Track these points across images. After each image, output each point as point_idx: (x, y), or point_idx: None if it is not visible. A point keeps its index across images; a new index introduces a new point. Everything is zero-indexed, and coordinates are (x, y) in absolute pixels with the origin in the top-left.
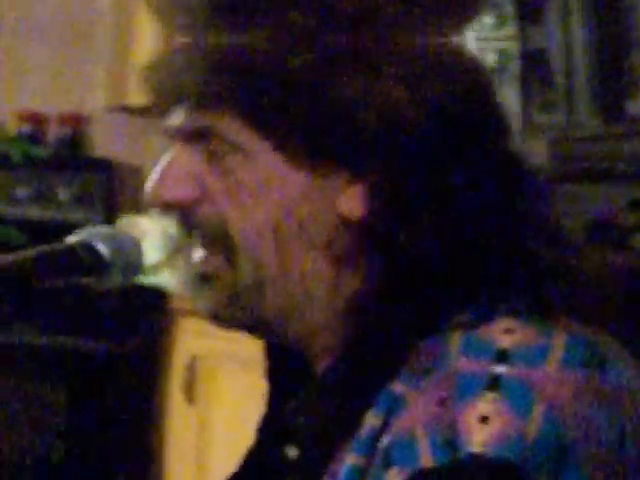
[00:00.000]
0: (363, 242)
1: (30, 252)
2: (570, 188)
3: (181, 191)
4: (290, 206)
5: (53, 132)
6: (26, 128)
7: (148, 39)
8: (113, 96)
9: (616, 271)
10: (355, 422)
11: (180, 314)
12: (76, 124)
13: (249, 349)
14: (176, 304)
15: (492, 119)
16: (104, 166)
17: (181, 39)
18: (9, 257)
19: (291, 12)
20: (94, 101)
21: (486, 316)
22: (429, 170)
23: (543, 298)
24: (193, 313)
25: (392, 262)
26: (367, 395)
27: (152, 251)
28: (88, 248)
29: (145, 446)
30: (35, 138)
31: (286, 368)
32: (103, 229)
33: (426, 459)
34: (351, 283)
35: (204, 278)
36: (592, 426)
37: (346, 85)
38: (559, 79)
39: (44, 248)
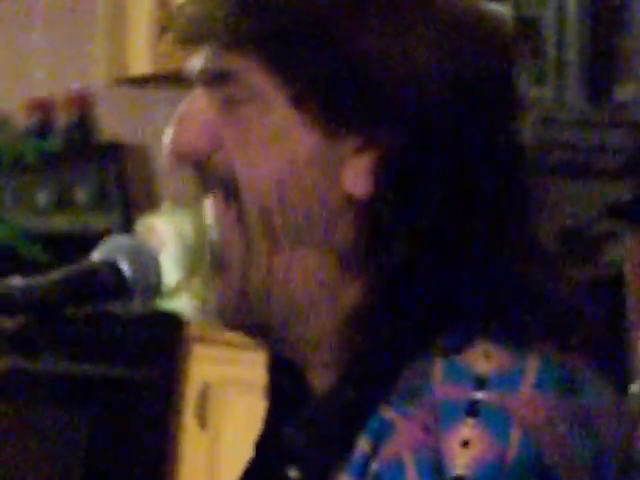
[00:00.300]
0: (364, 237)
1: (56, 276)
2: (547, 182)
3: (197, 142)
4: (297, 166)
5: (61, 118)
6: (34, 119)
7: (146, 11)
8: (115, 70)
9: (585, 287)
10: (350, 445)
11: (194, 341)
12: (82, 106)
13: (260, 376)
14: (191, 331)
15: (510, 104)
16: (115, 153)
17: None
18: (36, 282)
19: None
20: (97, 77)
21: (466, 340)
22: (440, 150)
23: (518, 322)
24: (207, 340)
25: (390, 272)
26: (361, 418)
27: (170, 270)
28: (112, 268)
29: (159, 471)
30: (44, 129)
31: (286, 385)
32: (125, 242)
33: None
34: (351, 293)
35: (220, 265)
36: (567, 448)
37: (373, 37)
38: (551, 51)
39: (69, 271)
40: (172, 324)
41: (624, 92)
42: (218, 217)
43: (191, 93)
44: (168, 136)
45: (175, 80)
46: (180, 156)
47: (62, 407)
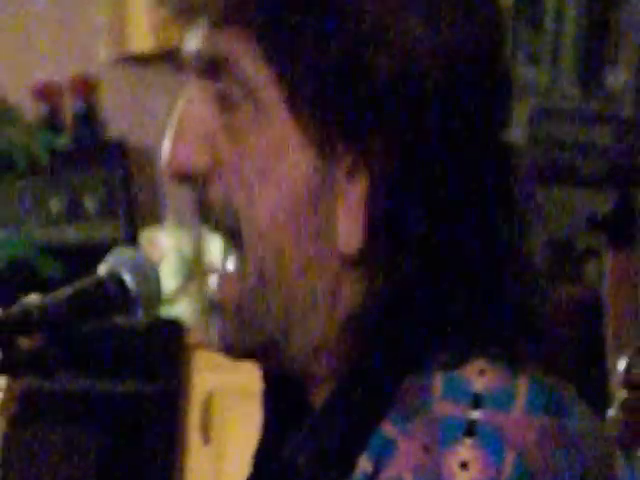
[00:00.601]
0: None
1: (67, 292)
2: (538, 190)
3: (194, 158)
4: (296, 194)
5: (68, 108)
6: (43, 109)
7: None
8: (116, 47)
9: (570, 307)
10: (351, 464)
11: (196, 348)
12: (87, 92)
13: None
14: (192, 339)
15: (500, 89)
16: (120, 155)
17: None
18: (50, 299)
19: None
20: (99, 55)
21: (463, 356)
22: (431, 162)
23: (510, 342)
24: (208, 346)
25: (389, 288)
26: (363, 436)
27: (169, 277)
28: (116, 281)
29: None
30: (53, 121)
31: (282, 399)
32: (128, 254)
33: None
34: (349, 304)
35: (215, 302)
36: (556, 470)
37: (367, 22)
38: (548, 25)
39: (79, 286)
40: (173, 332)
41: (616, 78)
42: (223, 285)
43: (186, 89)
44: (166, 146)
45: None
46: (177, 173)
47: (71, 423)
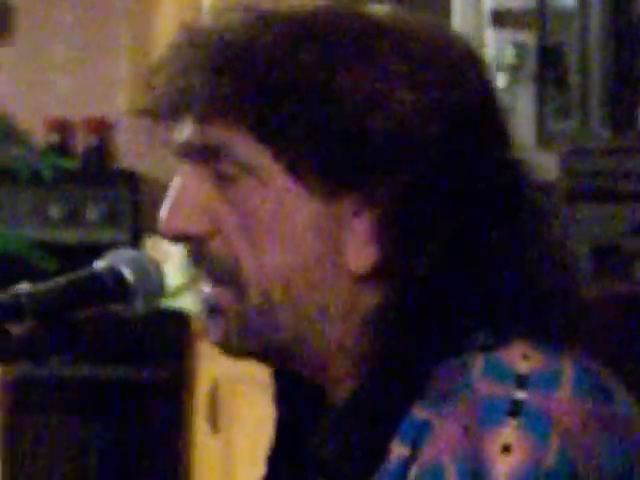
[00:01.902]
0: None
1: (61, 281)
2: (578, 208)
3: (192, 226)
4: (302, 242)
5: (81, 140)
6: (54, 137)
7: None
8: (134, 98)
9: (617, 301)
10: (382, 452)
11: (201, 337)
12: (102, 131)
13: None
14: (196, 327)
15: (496, 128)
16: (130, 180)
17: (187, 37)
18: (42, 287)
19: (298, 17)
20: (117, 103)
21: (503, 339)
22: (438, 187)
23: (552, 328)
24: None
25: (406, 283)
26: (391, 423)
27: (174, 274)
28: (114, 273)
29: (173, 472)
30: (64, 148)
31: (296, 389)
32: (128, 252)
33: None
34: (368, 298)
35: (211, 310)
36: (601, 457)
37: (353, 85)
38: (574, 79)
39: (73, 276)
40: (179, 322)
41: None
42: (215, 293)
43: (180, 170)
44: (162, 215)
45: None
46: (174, 237)
47: (75, 412)
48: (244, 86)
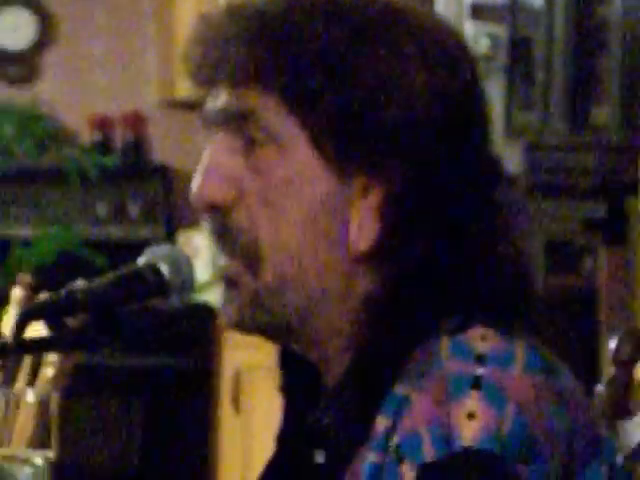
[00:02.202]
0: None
1: (109, 279)
2: (534, 202)
3: (219, 194)
4: (314, 217)
5: (119, 137)
6: (97, 135)
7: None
8: (164, 91)
9: (566, 293)
10: (369, 424)
11: (226, 329)
12: (137, 126)
13: None
14: (222, 320)
15: (483, 117)
16: (164, 176)
17: (224, 11)
18: (93, 284)
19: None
20: (149, 96)
21: (465, 324)
22: (438, 174)
23: (505, 312)
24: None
25: (400, 269)
26: (377, 399)
27: (202, 269)
28: (153, 270)
29: (201, 447)
30: (105, 146)
31: (300, 380)
32: (165, 249)
33: (429, 454)
34: (364, 283)
35: (228, 282)
36: (549, 423)
37: (374, 66)
38: (539, 74)
39: (119, 273)
40: (206, 315)
41: (601, 115)
42: (230, 265)
43: (213, 138)
44: (194, 185)
45: None
46: (204, 205)
47: (118, 395)
48: (277, 56)
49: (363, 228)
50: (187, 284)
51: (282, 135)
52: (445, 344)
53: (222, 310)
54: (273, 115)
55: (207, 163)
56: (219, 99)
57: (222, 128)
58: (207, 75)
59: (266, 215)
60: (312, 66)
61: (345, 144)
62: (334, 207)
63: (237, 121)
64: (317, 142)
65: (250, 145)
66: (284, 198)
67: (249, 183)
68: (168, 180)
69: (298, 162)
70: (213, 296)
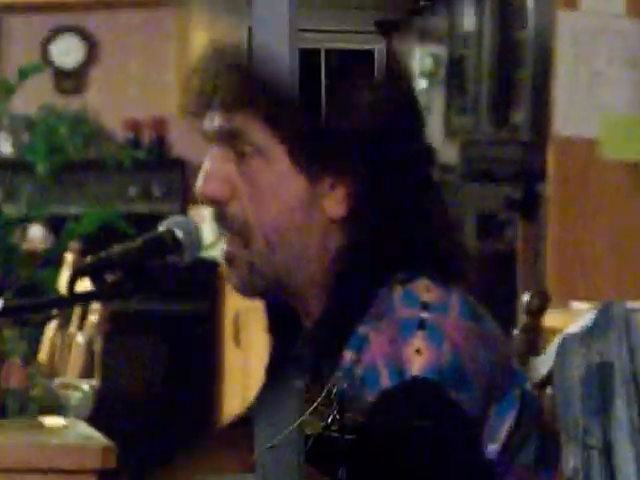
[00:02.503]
0: (345, 226)
1: (137, 242)
2: (468, 187)
3: (218, 192)
4: (293, 207)
5: (147, 136)
6: (129, 134)
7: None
8: (180, 101)
9: (492, 255)
10: (338, 356)
11: (226, 279)
12: (161, 128)
13: None
14: (223, 271)
15: (419, 122)
16: (180, 167)
17: (214, 53)
18: (125, 247)
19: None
20: (170, 104)
21: (413, 277)
22: (383, 174)
23: (444, 269)
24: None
25: (362, 234)
26: (344, 337)
27: (207, 234)
28: (171, 234)
29: (209, 377)
30: (136, 142)
31: (282, 323)
32: (179, 218)
33: (386, 382)
34: (335, 244)
35: (229, 261)
36: (477, 360)
37: (330, 93)
38: (470, 86)
39: (145, 238)
40: (211, 268)
41: (518, 117)
42: (229, 243)
43: (211, 150)
44: (197, 184)
45: None
46: (206, 200)
47: (146, 334)
48: (260, 88)
49: (335, 208)
50: (196, 244)
51: (266, 149)
52: (398, 293)
53: (228, 281)
54: (258, 134)
55: (208, 169)
56: (215, 121)
57: (219, 143)
58: (204, 102)
59: (254, 207)
60: (286, 96)
61: (313, 155)
62: (308, 200)
63: (230, 138)
64: (292, 154)
65: (241, 156)
66: (268, 196)
67: (240, 185)
68: (183, 170)
69: (278, 169)
70: (216, 253)
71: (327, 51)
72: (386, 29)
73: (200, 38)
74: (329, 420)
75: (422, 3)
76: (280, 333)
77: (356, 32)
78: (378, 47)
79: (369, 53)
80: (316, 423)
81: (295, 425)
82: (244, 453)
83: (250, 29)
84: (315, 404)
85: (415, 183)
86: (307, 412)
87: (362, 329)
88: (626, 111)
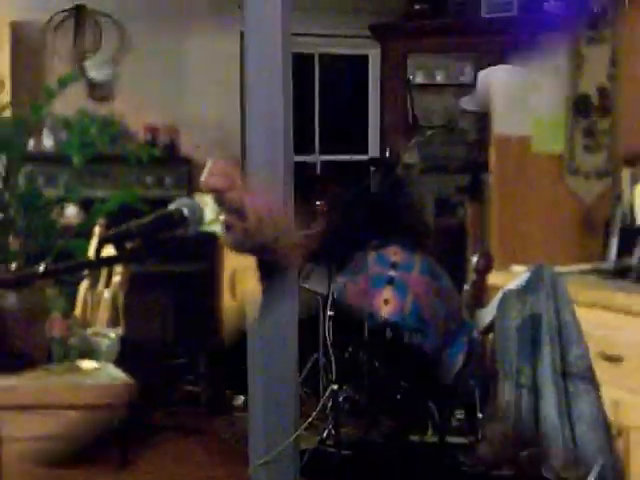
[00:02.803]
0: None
1: (151, 217)
2: (427, 177)
3: (218, 183)
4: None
5: (162, 138)
6: (148, 136)
7: None
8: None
9: (446, 229)
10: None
11: (223, 246)
12: (173, 132)
13: None
14: (220, 241)
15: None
16: (188, 163)
17: None
18: (142, 221)
19: None
20: (184, 113)
21: (384, 243)
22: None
23: (409, 237)
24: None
25: (342, 212)
26: (328, 284)
27: (209, 213)
28: (179, 212)
29: (210, 325)
30: (153, 143)
31: (271, 274)
32: (186, 200)
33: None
34: (319, 220)
35: (227, 227)
36: (434, 310)
37: None
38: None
39: (157, 214)
40: (212, 239)
41: (466, 122)
42: (229, 219)
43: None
44: (203, 177)
45: None
46: (208, 189)
47: (160, 291)
48: None
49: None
50: (199, 220)
51: None
52: (372, 256)
53: (226, 243)
54: None
55: (210, 166)
56: None
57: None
58: None
59: (248, 195)
60: None
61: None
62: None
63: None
64: None
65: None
66: (260, 189)
67: (237, 179)
68: (189, 166)
69: None
70: (216, 228)
71: (321, 55)
72: (381, 33)
73: (198, 54)
74: (324, 435)
75: (416, 7)
76: (270, 279)
77: (351, 37)
78: (372, 52)
79: (364, 58)
80: (312, 437)
81: (290, 440)
82: None
83: (242, 33)
84: (310, 419)
85: (387, 176)
86: (302, 427)
87: (341, 279)
88: (551, 112)
